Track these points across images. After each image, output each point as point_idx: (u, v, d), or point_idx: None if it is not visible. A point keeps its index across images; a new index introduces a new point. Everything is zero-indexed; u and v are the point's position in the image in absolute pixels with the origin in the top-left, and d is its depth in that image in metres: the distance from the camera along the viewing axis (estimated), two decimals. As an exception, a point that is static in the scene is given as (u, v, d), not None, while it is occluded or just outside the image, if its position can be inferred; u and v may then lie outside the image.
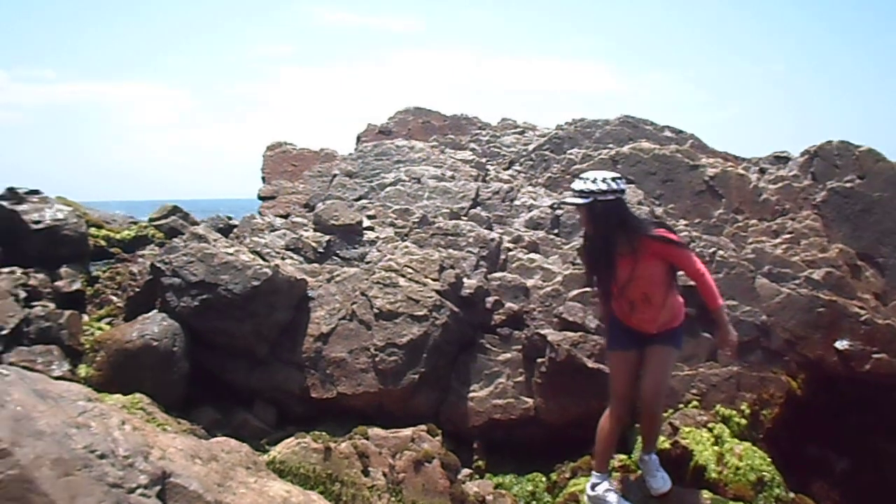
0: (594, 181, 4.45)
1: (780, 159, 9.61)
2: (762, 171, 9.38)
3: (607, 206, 4.46)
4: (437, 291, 6.52)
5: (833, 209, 8.25)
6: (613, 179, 4.48)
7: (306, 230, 7.75)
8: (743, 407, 6.20)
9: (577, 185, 4.53)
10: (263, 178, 10.35)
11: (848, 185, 8.34)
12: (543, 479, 5.92)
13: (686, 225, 8.09)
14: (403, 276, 6.67)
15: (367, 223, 7.81)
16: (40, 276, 7.05)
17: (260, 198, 9.88)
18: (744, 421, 6.12)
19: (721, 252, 7.05)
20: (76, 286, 7.32)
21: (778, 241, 7.88)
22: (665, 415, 6.03)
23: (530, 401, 6.21)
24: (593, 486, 4.75)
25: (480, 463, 6.08)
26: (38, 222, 7.51)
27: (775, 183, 8.76)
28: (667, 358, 4.75)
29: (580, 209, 4.62)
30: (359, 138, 11.36)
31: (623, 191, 4.53)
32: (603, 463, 4.81)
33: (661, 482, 4.81)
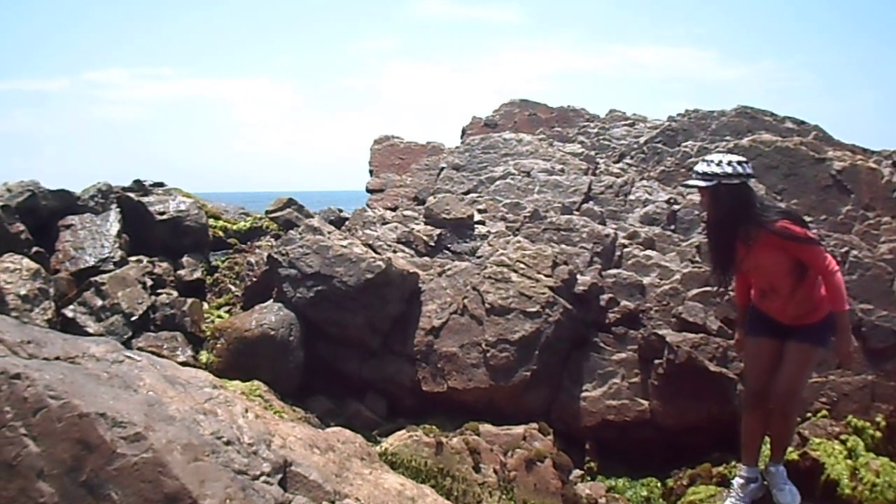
0: (719, 164, 4.24)
1: (916, 152, 8.95)
2: (895, 165, 8.76)
3: (731, 190, 4.24)
4: (550, 288, 6.39)
5: (974, 206, 7.62)
6: (739, 163, 4.26)
7: (417, 223, 7.77)
8: (878, 419, 5.78)
9: (701, 167, 4.33)
10: (371, 171, 10.47)
11: None
12: (659, 484, 5.71)
13: (811, 222, 7.63)
14: (515, 271, 6.58)
15: (477, 217, 7.75)
16: (164, 264, 7.36)
17: (368, 190, 10.00)
18: (879, 434, 5.70)
19: (854, 252, 6.62)
20: (197, 275, 7.60)
21: (916, 240, 7.34)
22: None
23: (646, 403, 6.00)
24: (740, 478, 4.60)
25: (593, 464, 5.93)
26: (162, 213, 7.85)
27: (912, 177, 8.16)
28: (802, 355, 4.37)
29: (703, 192, 4.40)
30: (464, 131, 11.33)
31: (750, 175, 4.29)
32: (747, 456, 4.60)
33: (790, 497, 4.49)
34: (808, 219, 7.70)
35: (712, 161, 4.29)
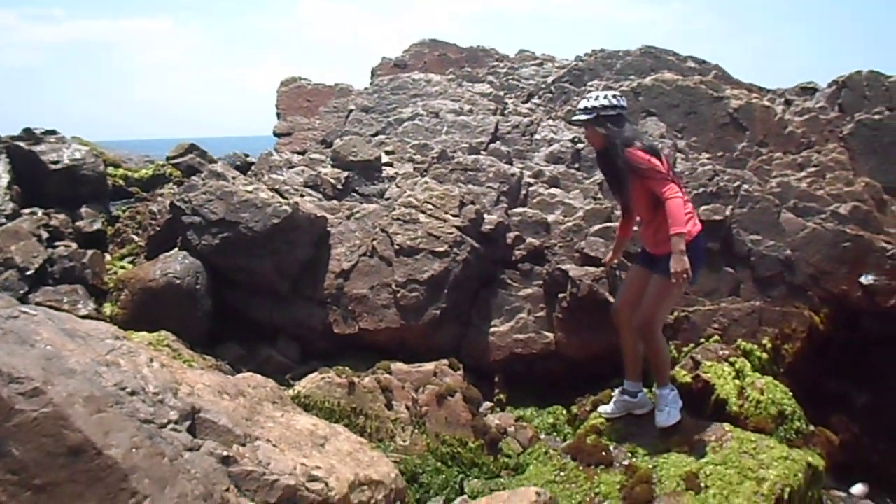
0: (596, 98, 4.66)
1: (807, 90, 9.36)
2: (788, 103, 9.16)
3: (610, 120, 4.61)
4: (458, 227, 6.48)
5: (861, 142, 8.06)
6: (615, 96, 4.68)
7: (324, 167, 7.70)
8: (765, 341, 6.19)
9: (582, 104, 4.73)
10: (278, 115, 10.25)
11: (877, 116, 8.12)
12: (564, 411, 5.99)
13: (709, 158, 7.95)
14: (423, 212, 6.63)
15: (385, 159, 7.73)
16: (61, 216, 7.08)
17: (275, 134, 9.80)
18: (765, 355, 6.12)
19: (745, 186, 6.94)
20: (97, 226, 7.35)
21: (803, 174, 7.74)
22: (686, 349, 6.05)
23: (551, 335, 6.23)
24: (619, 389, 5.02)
25: (502, 396, 6.15)
26: (56, 162, 7.51)
27: (801, 115, 8.56)
28: (655, 286, 4.58)
29: (587, 126, 4.76)
30: (374, 72, 11.18)
31: (623, 107, 4.68)
32: (626, 370, 4.98)
33: (663, 418, 4.72)
34: (706, 155, 8.04)
35: (590, 97, 4.69)
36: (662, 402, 4.78)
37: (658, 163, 4.48)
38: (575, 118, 4.82)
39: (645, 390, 5.22)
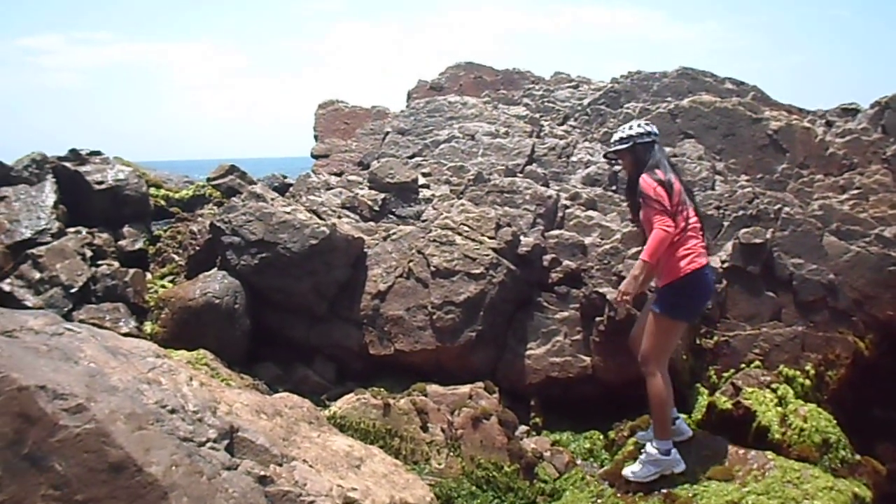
0: (631, 127, 4.73)
1: (849, 111, 9.23)
2: (829, 125, 9.03)
3: (646, 148, 4.66)
4: (494, 249, 6.47)
5: (905, 163, 7.92)
6: (648, 124, 4.77)
7: (361, 188, 7.76)
8: (808, 367, 6.07)
9: (616, 135, 4.80)
10: (316, 137, 10.39)
11: (921, 137, 7.99)
12: (601, 436, 5.91)
13: (748, 180, 7.86)
14: (460, 234, 6.64)
15: (422, 181, 7.77)
16: (104, 235, 7.23)
17: (313, 156, 9.93)
18: (808, 382, 6.00)
19: (787, 209, 6.83)
20: (139, 245, 7.49)
21: (845, 196, 7.61)
22: (727, 374, 5.96)
23: (588, 359, 6.17)
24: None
25: (538, 420, 6.10)
26: (100, 182, 7.68)
27: (843, 136, 8.43)
28: (650, 322, 4.51)
29: (622, 156, 4.80)
30: (410, 95, 11.28)
31: (657, 133, 4.74)
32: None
33: (630, 468, 4.60)
34: (745, 177, 7.95)
35: (625, 128, 4.76)
36: (643, 453, 4.62)
37: (663, 194, 4.41)
38: (613, 149, 4.83)
39: (683, 416, 5.13)
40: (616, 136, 4.79)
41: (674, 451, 4.54)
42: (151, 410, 3.34)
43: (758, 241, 6.44)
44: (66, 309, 6.16)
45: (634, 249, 6.66)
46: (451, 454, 5.14)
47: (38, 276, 6.39)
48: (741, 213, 6.88)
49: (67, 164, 7.74)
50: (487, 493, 4.77)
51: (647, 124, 4.76)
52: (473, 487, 4.80)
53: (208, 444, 3.43)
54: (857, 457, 5.05)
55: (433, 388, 5.72)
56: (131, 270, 6.72)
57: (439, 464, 5.02)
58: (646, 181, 4.48)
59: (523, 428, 5.93)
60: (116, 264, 6.80)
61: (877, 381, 6.26)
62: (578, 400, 6.19)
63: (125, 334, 5.49)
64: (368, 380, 6.11)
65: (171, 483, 2.97)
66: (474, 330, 6.20)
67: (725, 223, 6.89)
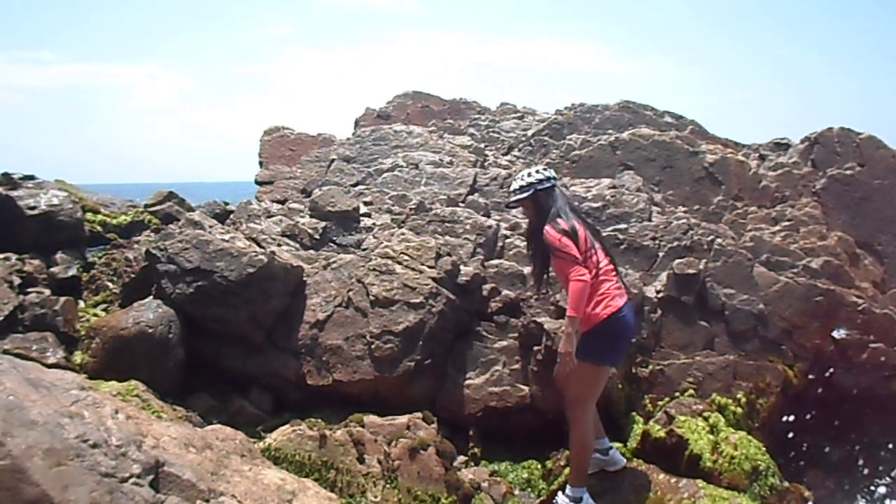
0: (529, 175, 4.75)
1: (781, 146, 9.60)
2: (762, 158, 9.37)
3: (545, 192, 4.70)
4: (434, 279, 6.49)
5: (833, 197, 8.24)
6: (546, 170, 4.81)
7: (303, 216, 7.72)
8: (739, 396, 6.19)
9: (516, 184, 4.81)
10: (261, 163, 10.33)
11: (848, 172, 8.33)
12: (539, 466, 5.93)
13: (685, 212, 8.07)
14: (400, 263, 6.64)
15: (363, 209, 7.77)
16: (35, 262, 7.01)
17: (257, 182, 9.86)
18: (740, 410, 6.12)
19: (719, 240, 7.02)
20: (72, 272, 7.28)
21: (777, 228, 7.88)
22: (661, 403, 6.05)
23: (526, 388, 6.20)
24: None
25: (476, 450, 6.09)
26: (33, 208, 7.46)
27: (775, 170, 8.75)
28: (577, 368, 4.47)
29: (525, 205, 4.82)
30: (357, 123, 11.33)
31: (555, 177, 4.79)
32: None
33: None
34: (682, 209, 8.17)
35: (523, 175, 4.78)
36: (555, 500, 4.72)
37: (569, 243, 4.44)
38: (514, 199, 4.82)
39: (616, 445, 5.20)
40: (515, 185, 4.80)
41: (586, 496, 4.59)
42: (72, 445, 3.26)
43: (691, 271, 6.59)
44: (-10, 338, 5.95)
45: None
46: (388, 486, 5.09)
47: (-38, 304, 6.17)
48: (676, 243, 7.04)
49: (-2, 189, 7.52)
50: (423, 526, 4.74)
51: (544, 169, 4.79)
52: (409, 520, 4.76)
53: (131, 480, 3.35)
54: (786, 484, 5.18)
55: (371, 418, 5.67)
56: (62, 298, 6.52)
57: (375, 496, 4.97)
58: (550, 234, 4.50)
59: (461, 458, 5.91)
60: (47, 292, 6.59)
61: (805, 409, 6.43)
62: (517, 429, 6.21)
63: (52, 365, 5.33)
64: (306, 410, 6.03)
65: (89, 522, 2.90)
66: (413, 360, 6.18)
67: (661, 253, 7.04)
